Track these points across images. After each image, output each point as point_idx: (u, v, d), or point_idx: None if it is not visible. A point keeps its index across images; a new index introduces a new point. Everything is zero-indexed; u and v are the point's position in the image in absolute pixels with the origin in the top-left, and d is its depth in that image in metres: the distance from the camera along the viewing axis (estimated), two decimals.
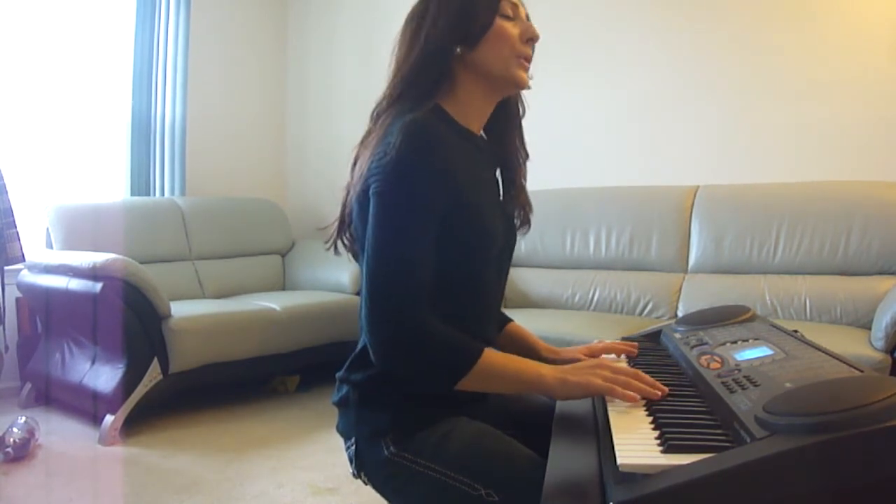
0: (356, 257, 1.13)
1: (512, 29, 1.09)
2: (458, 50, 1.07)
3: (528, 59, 1.11)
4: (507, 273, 1.21)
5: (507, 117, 1.21)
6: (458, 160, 1.03)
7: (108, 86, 3.69)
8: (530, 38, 1.10)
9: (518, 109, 1.22)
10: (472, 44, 1.08)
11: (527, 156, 1.23)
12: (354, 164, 1.08)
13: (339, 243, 1.15)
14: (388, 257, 0.96)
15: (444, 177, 1.00)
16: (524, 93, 1.20)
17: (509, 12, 1.09)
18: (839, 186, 2.68)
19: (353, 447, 1.08)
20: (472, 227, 1.05)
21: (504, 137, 1.21)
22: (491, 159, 1.19)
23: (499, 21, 1.08)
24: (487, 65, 1.09)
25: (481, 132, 1.18)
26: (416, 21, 1.11)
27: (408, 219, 0.97)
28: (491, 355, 0.97)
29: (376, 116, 1.11)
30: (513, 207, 1.23)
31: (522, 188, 1.24)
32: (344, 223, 1.13)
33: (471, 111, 1.13)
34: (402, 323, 0.94)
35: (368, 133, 1.10)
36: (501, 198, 1.21)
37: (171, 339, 2.78)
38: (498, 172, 1.23)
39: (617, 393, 0.88)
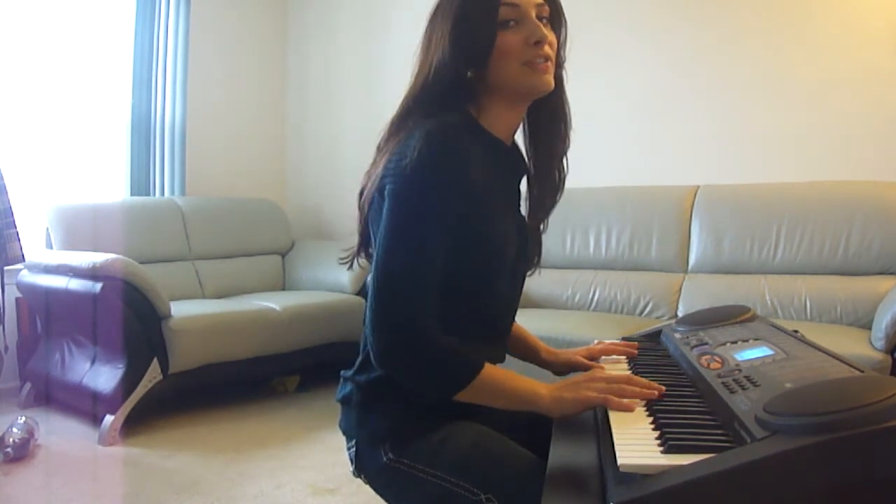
0: None
1: (514, 38, 1.03)
2: (469, 74, 1.05)
3: (544, 59, 1.04)
4: (521, 285, 1.18)
5: (549, 125, 1.15)
6: (477, 170, 1.01)
7: (107, 86, 3.68)
8: (537, 42, 1.03)
9: (560, 126, 1.15)
10: (480, 66, 1.04)
11: (561, 186, 1.20)
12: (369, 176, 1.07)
13: (357, 261, 1.16)
14: (396, 263, 0.95)
15: (461, 187, 0.98)
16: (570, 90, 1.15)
17: (511, 16, 1.03)
18: (839, 186, 2.67)
19: (354, 448, 1.08)
20: (484, 239, 1.03)
21: (543, 148, 1.17)
22: (516, 169, 1.17)
23: (500, 36, 1.02)
24: (500, 81, 1.05)
25: (513, 140, 1.15)
26: (425, 41, 1.09)
27: (420, 225, 0.96)
28: (491, 371, 0.96)
29: (395, 126, 1.07)
30: (532, 229, 1.19)
31: (537, 230, 1.21)
32: (363, 241, 1.13)
33: (497, 121, 1.10)
34: (405, 330, 0.93)
35: (386, 140, 1.07)
36: (526, 216, 1.19)
37: (170, 339, 2.78)
38: (524, 183, 1.20)
39: (612, 404, 0.86)
